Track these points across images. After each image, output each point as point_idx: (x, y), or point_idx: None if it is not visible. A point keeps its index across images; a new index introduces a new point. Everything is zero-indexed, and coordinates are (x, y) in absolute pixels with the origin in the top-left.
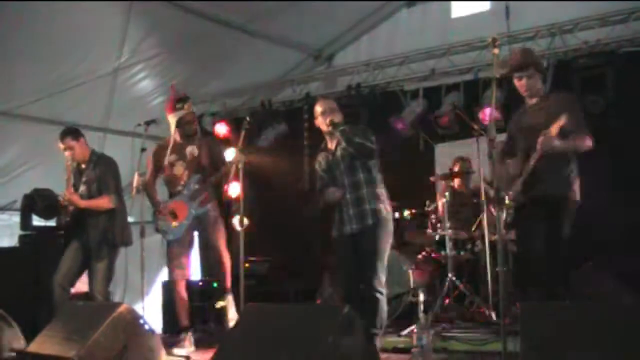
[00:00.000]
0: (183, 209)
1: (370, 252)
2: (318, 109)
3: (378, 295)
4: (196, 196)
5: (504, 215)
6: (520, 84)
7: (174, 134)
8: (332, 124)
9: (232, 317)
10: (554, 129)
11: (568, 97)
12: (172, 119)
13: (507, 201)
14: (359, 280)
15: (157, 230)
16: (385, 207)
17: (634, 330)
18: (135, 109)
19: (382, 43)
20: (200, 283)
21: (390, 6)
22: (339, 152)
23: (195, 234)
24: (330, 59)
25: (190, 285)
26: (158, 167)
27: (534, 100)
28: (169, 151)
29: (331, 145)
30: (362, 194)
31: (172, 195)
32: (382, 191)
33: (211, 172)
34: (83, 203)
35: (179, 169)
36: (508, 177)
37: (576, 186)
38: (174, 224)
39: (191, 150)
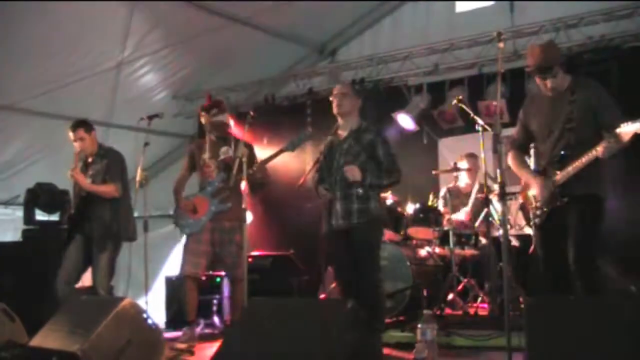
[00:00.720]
0: (204, 204)
1: (363, 248)
2: (334, 92)
3: (376, 289)
4: (218, 194)
5: (536, 213)
6: (544, 83)
7: (208, 134)
8: (351, 132)
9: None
10: (626, 136)
11: (603, 91)
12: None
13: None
14: (354, 275)
15: (176, 225)
16: (375, 207)
17: (639, 325)
18: (139, 104)
19: (386, 38)
20: (204, 277)
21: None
22: (346, 145)
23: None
24: (334, 54)
25: None
26: (192, 164)
27: (557, 92)
28: (204, 149)
29: (342, 133)
30: (352, 192)
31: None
32: (373, 192)
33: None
34: (88, 186)
35: (210, 167)
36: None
37: (604, 185)
38: (193, 218)
39: (225, 150)
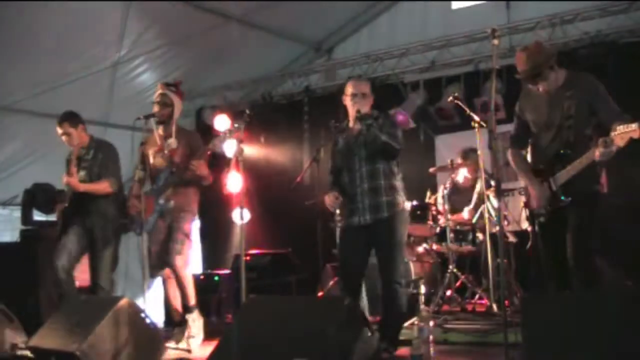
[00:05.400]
0: (151, 203)
1: (388, 243)
2: (349, 89)
3: (397, 286)
4: (163, 190)
5: (540, 211)
6: (536, 88)
7: (157, 130)
8: (359, 116)
9: (196, 334)
10: (621, 140)
11: (599, 85)
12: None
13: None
14: (363, 273)
15: (129, 226)
16: (402, 200)
17: (635, 320)
18: (136, 103)
19: (382, 35)
20: (202, 277)
21: None
22: (362, 138)
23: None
24: (331, 52)
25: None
26: (143, 161)
27: (553, 88)
28: (151, 144)
29: (355, 126)
30: (379, 184)
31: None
32: (399, 183)
33: (185, 166)
34: (82, 187)
35: (159, 162)
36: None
37: (603, 179)
38: (142, 218)
39: (170, 142)
